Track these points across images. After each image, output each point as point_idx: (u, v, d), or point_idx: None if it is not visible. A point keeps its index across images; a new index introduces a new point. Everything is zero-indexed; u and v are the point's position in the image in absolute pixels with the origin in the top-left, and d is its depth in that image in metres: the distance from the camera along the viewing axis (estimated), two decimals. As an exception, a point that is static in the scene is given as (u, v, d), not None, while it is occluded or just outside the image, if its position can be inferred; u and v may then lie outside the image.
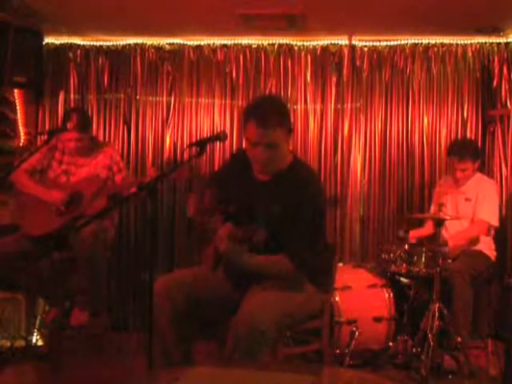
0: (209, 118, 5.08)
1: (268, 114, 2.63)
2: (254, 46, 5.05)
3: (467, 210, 4.24)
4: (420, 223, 4.61)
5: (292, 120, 4.89)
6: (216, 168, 4.98)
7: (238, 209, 2.65)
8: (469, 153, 4.26)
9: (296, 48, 5.02)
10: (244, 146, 3.32)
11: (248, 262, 2.59)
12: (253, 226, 2.46)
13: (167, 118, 5.11)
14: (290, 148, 2.93)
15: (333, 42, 4.99)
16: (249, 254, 2.58)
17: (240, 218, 2.55)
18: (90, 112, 5.06)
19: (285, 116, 2.71)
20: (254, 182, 2.80)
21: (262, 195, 2.72)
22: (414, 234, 4.34)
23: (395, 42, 4.96)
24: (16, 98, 4.95)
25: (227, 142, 4.92)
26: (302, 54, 5.02)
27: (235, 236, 2.51)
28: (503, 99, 4.80)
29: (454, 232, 4.25)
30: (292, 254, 2.63)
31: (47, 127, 5.08)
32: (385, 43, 4.96)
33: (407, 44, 4.95)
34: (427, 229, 4.44)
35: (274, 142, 2.65)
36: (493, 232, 4.29)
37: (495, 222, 4.23)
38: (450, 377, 3.65)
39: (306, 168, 2.91)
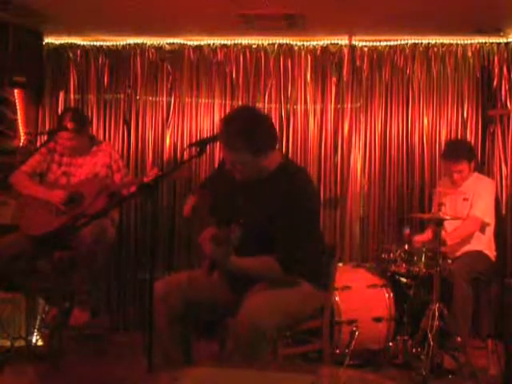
0: (209, 118, 5.08)
1: (230, 138, 2.63)
2: (254, 46, 5.05)
3: (465, 210, 4.22)
4: (421, 224, 4.62)
5: (291, 120, 4.99)
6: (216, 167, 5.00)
7: (222, 210, 2.67)
8: (464, 154, 4.25)
9: (296, 48, 5.02)
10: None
11: (234, 263, 2.58)
12: (232, 225, 2.45)
13: (167, 118, 5.11)
14: (280, 151, 2.92)
15: (333, 41, 4.99)
16: (235, 257, 2.56)
17: (224, 218, 2.55)
18: (90, 112, 5.08)
19: (249, 138, 2.61)
20: (241, 184, 2.78)
21: (249, 197, 2.73)
22: (419, 239, 4.32)
23: (395, 42, 4.95)
24: (16, 97, 4.95)
25: (227, 142, 4.92)
26: (302, 53, 5.01)
27: (217, 238, 2.50)
28: (503, 99, 4.79)
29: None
30: (280, 256, 2.63)
31: (47, 127, 5.08)
32: (385, 43, 4.96)
33: (407, 44, 4.94)
34: (429, 234, 4.41)
35: (241, 161, 2.66)
36: (491, 231, 4.26)
37: (489, 220, 4.21)
38: (449, 377, 3.65)
39: (295, 169, 2.86)
